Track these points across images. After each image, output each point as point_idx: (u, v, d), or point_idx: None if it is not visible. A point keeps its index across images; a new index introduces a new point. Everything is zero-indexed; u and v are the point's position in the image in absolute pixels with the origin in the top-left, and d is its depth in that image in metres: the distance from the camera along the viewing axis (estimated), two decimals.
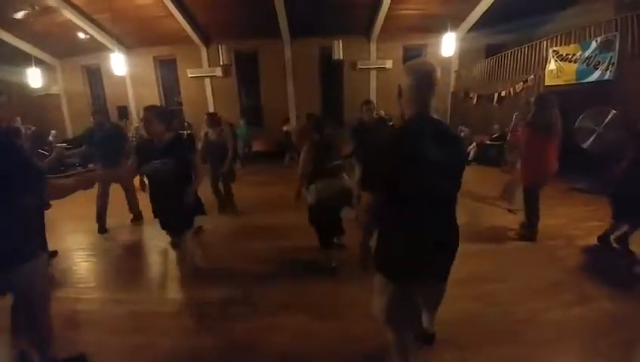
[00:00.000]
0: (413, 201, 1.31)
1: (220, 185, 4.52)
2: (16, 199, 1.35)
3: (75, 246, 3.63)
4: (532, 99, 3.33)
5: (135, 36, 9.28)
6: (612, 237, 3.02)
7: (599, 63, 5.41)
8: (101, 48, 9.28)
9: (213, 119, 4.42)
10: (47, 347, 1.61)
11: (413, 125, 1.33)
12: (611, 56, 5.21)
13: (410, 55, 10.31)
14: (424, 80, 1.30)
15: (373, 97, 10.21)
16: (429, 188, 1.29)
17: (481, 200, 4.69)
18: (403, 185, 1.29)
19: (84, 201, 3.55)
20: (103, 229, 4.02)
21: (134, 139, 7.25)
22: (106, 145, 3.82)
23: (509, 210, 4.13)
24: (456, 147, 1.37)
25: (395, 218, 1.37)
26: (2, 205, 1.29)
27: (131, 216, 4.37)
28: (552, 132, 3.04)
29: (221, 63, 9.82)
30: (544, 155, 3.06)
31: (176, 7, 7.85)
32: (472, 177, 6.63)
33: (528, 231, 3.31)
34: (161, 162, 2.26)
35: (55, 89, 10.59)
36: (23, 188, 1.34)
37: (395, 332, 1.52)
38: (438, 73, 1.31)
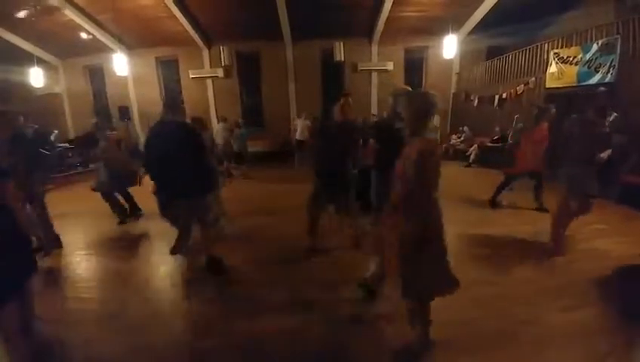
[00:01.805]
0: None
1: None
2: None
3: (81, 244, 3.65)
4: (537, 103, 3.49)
5: (137, 37, 9.32)
6: None
7: (600, 66, 5.41)
8: (103, 49, 9.33)
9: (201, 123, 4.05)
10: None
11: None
12: (612, 59, 5.21)
13: (412, 57, 10.35)
14: None
15: (374, 99, 10.26)
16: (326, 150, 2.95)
17: (481, 203, 4.66)
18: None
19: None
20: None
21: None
22: None
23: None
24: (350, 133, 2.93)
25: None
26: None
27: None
28: (531, 139, 3.96)
29: (223, 64, 9.87)
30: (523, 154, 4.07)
31: (178, 8, 7.89)
32: (472, 179, 6.63)
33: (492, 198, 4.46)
34: None
35: (57, 89, 10.63)
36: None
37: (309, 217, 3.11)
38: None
